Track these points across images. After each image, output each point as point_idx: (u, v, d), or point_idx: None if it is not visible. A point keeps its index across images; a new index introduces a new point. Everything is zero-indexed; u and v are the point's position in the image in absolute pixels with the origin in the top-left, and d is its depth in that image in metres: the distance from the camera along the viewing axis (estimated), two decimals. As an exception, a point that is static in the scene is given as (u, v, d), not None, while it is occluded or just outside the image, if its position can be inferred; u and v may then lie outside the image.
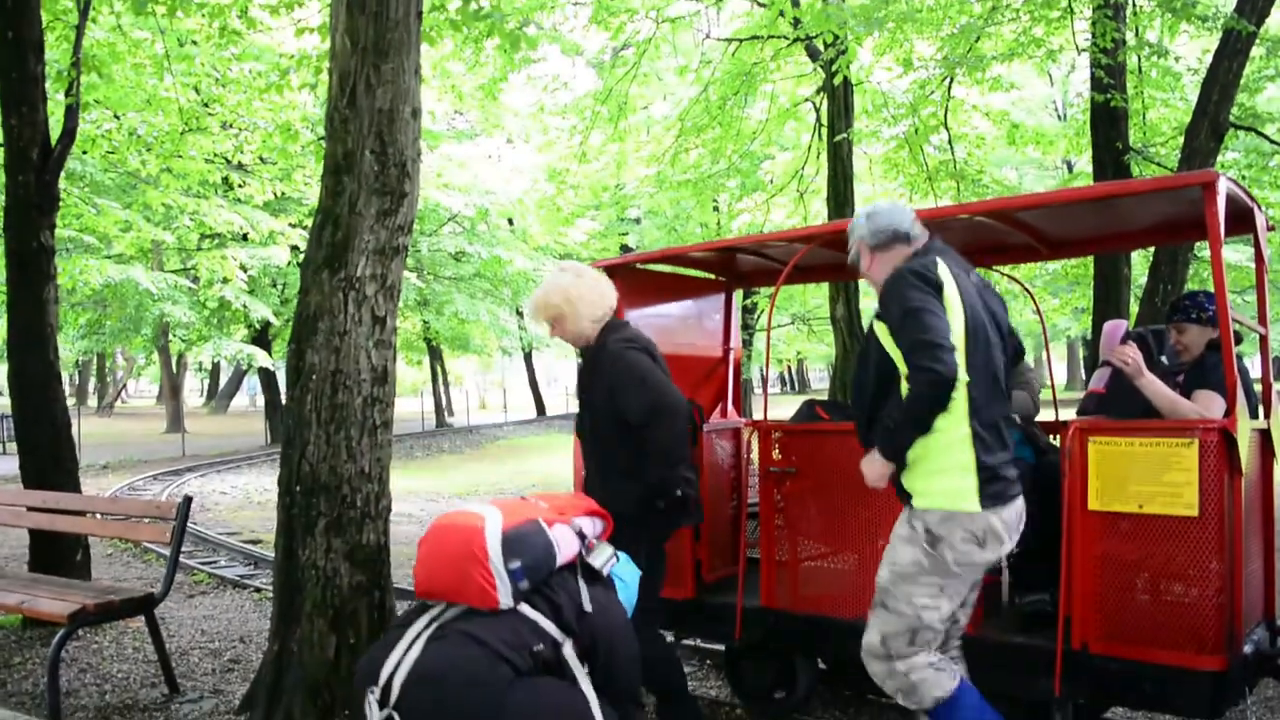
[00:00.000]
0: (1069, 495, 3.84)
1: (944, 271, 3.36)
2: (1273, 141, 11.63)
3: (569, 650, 3.25)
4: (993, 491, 3.32)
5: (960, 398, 3.28)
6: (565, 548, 3.37)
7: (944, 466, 3.35)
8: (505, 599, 3.18)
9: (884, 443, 3.46)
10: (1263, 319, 4.47)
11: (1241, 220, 4.34)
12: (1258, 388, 4.35)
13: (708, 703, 5.40)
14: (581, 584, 3.37)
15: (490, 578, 3.16)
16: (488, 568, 3.17)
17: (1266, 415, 4.32)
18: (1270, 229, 4.71)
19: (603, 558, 3.50)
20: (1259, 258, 4.47)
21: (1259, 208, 4.37)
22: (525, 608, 3.21)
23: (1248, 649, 3.93)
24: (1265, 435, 4.28)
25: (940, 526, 3.37)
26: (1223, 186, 3.80)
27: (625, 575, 3.59)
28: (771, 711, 5.07)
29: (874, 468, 3.54)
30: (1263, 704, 5.12)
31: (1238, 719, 4.83)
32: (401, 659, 3.14)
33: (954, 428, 3.31)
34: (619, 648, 3.34)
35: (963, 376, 3.26)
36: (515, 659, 3.09)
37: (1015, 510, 3.40)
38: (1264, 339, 4.49)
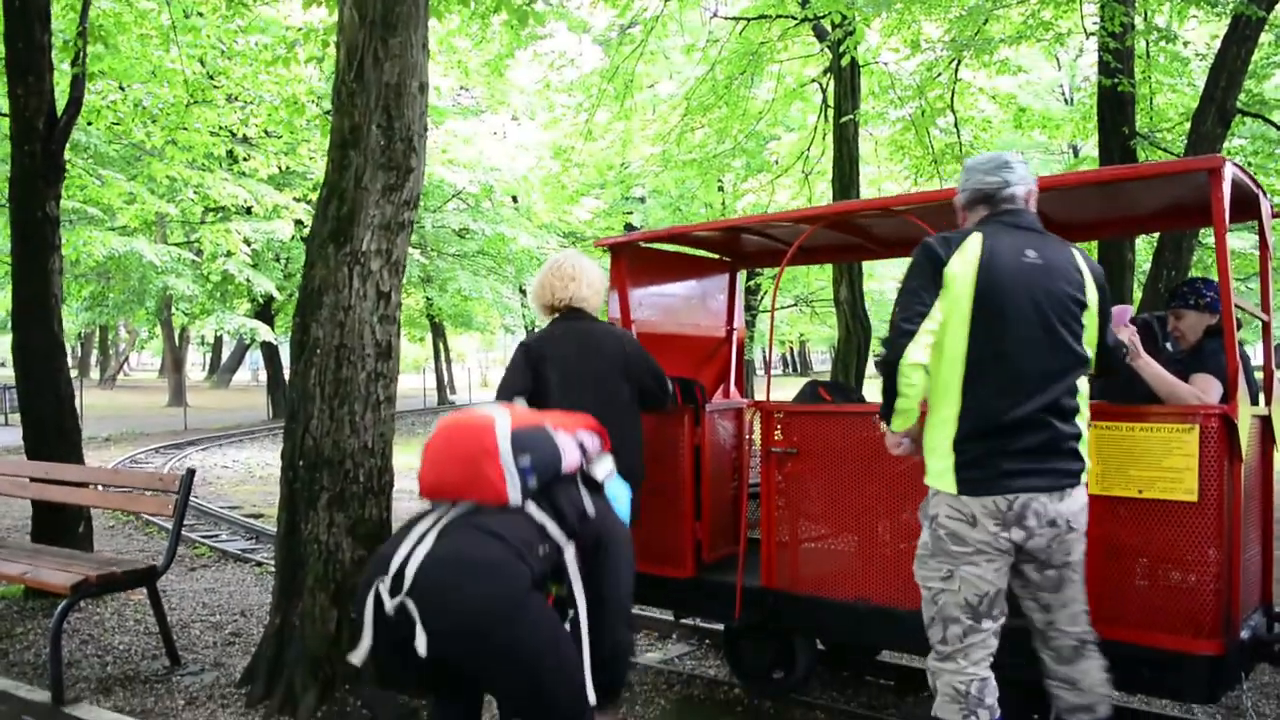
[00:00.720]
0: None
1: (969, 245, 3.20)
2: (1278, 127, 11.59)
3: (570, 555, 3.22)
4: (971, 477, 3.18)
5: (952, 377, 3.19)
6: (569, 455, 3.34)
7: (933, 444, 3.29)
8: (515, 495, 3.14)
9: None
10: (1265, 306, 4.47)
11: (1246, 206, 4.33)
12: (1259, 374, 4.35)
13: (706, 682, 5.44)
14: (584, 490, 3.37)
15: (500, 472, 3.13)
16: (498, 462, 3.13)
17: (1268, 402, 4.32)
18: (1275, 215, 4.70)
19: (604, 469, 3.49)
20: (1263, 244, 4.46)
21: (1264, 194, 4.36)
22: (532, 507, 3.18)
23: (1245, 634, 3.95)
24: (1266, 422, 4.29)
25: (932, 503, 3.31)
26: (1228, 172, 3.79)
27: (619, 494, 3.57)
28: (770, 692, 5.10)
29: (887, 437, 3.49)
30: (1258, 689, 5.15)
31: (1234, 704, 4.85)
32: (413, 549, 3.03)
33: (944, 406, 3.23)
34: (619, 554, 3.34)
35: (954, 354, 3.17)
36: (529, 559, 3.04)
37: (1012, 503, 3.15)
38: (1266, 326, 4.48)
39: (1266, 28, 9.71)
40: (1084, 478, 3.32)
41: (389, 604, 2.96)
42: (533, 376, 4.50)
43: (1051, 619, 3.39)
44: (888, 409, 3.29)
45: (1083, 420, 3.31)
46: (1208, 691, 3.72)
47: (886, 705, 5.11)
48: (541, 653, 2.96)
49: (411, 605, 2.91)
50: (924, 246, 3.26)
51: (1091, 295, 3.35)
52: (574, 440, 3.43)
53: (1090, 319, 3.35)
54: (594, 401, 4.25)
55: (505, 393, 4.43)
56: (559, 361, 4.51)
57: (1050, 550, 3.26)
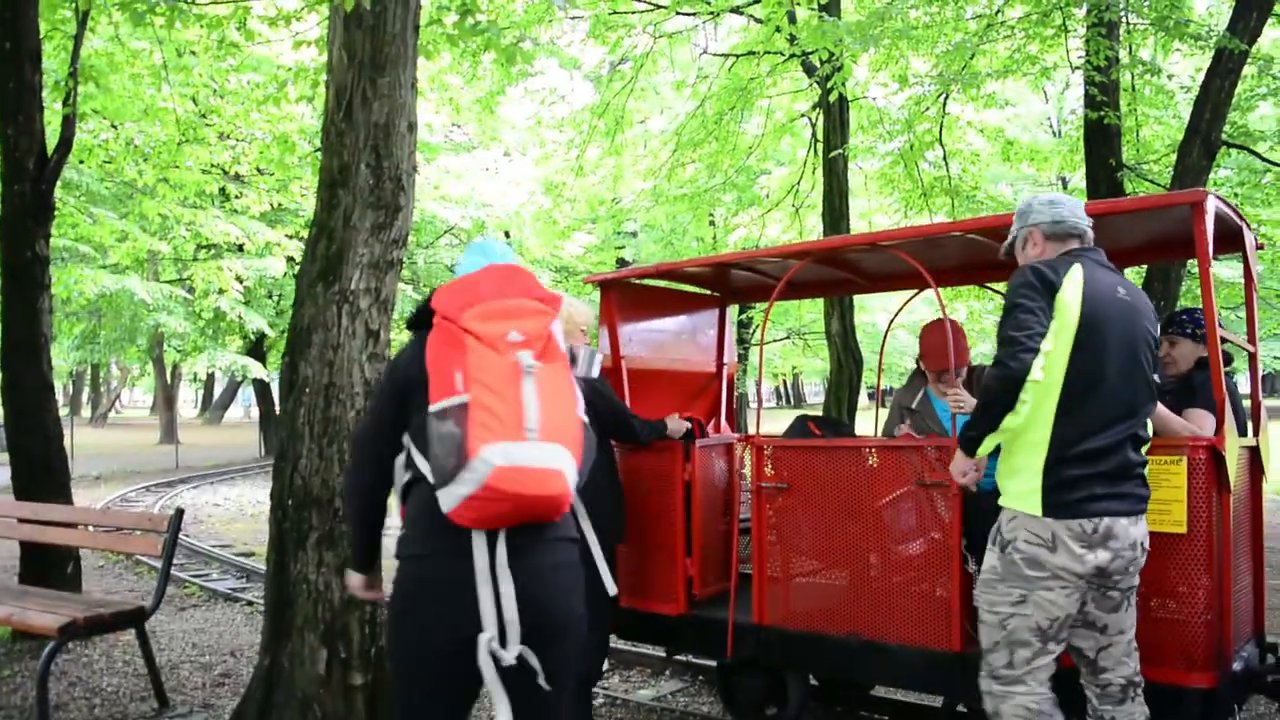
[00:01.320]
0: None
1: (1074, 274, 3.30)
2: (1265, 160, 11.68)
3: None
4: (1062, 500, 3.24)
5: (1047, 401, 3.25)
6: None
7: (1019, 467, 3.33)
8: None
9: (960, 435, 3.47)
10: (1252, 337, 4.49)
11: (1231, 239, 4.37)
12: (1247, 404, 4.37)
13: (699, 718, 5.40)
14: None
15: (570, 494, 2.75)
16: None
17: (1256, 433, 4.34)
18: (1259, 248, 4.74)
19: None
20: (1248, 276, 4.50)
21: (1248, 226, 4.40)
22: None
23: (1237, 666, 3.94)
24: (1254, 453, 4.30)
25: (1008, 527, 3.35)
26: (1211, 205, 3.83)
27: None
28: (763, 727, 5.07)
29: (955, 461, 3.53)
30: (1253, 721, 5.12)
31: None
32: (497, 593, 2.62)
33: (1035, 429, 3.28)
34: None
35: (1053, 380, 3.24)
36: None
37: (1098, 526, 3.23)
38: (1253, 357, 4.51)
39: (1249, 61, 9.80)
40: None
41: (507, 657, 2.63)
42: None
43: (1107, 644, 3.43)
44: (991, 427, 3.29)
45: (1146, 450, 3.45)
46: (1202, 724, 3.70)
47: (880, 741, 5.08)
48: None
49: (529, 652, 2.65)
50: (1036, 271, 3.33)
51: (1157, 335, 3.54)
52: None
53: (1155, 358, 3.53)
54: None
55: None
56: None
57: (1124, 573, 3.34)
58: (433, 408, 2.55)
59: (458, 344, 2.58)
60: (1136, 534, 3.32)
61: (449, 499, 2.54)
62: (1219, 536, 3.69)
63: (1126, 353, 3.33)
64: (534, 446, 2.52)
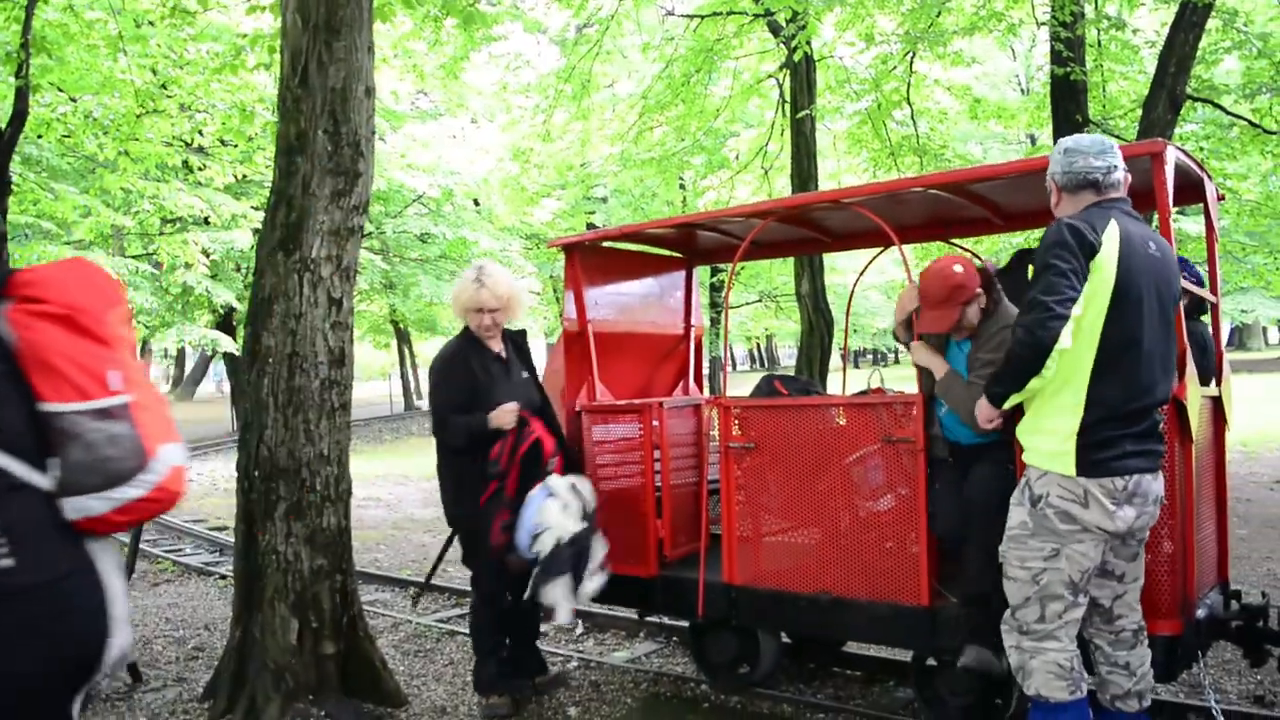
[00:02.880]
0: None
1: (1112, 232, 3.22)
2: (1229, 113, 11.73)
3: None
4: (1094, 459, 3.24)
5: (1081, 364, 3.23)
6: None
7: (1048, 428, 3.32)
8: None
9: (987, 386, 3.49)
10: (1214, 288, 4.52)
11: (1192, 190, 4.39)
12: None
13: (673, 679, 5.43)
14: None
15: None
16: None
17: (1219, 383, 4.37)
18: (1220, 199, 4.76)
19: None
20: (1209, 227, 4.52)
21: (1209, 177, 4.41)
22: None
23: (1201, 613, 3.99)
24: (1217, 403, 4.34)
25: (1039, 483, 3.36)
26: (1170, 156, 3.83)
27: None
28: (736, 686, 5.10)
29: (980, 408, 3.52)
30: (1219, 666, 5.20)
31: (1194, 681, 4.90)
32: None
33: (1067, 392, 3.27)
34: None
35: (1088, 343, 3.21)
36: None
37: (1128, 483, 3.26)
38: (1214, 307, 4.54)
39: (1213, 14, 9.81)
40: None
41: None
42: None
43: (1123, 592, 3.51)
44: (1015, 385, 3.29)
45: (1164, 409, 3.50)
46: (1166, 670, 3.76)
47: (853, 696, 5.12)
48: None
49: None
50: (1073, 230, 3.21)
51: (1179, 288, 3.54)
52: None
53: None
54: None
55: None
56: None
57: (1144, 527, 3.41)
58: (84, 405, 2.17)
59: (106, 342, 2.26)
60: (1157, 489, 3.38)
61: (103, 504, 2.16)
62: (1182, 486, 3.73)
63: (1158, 313, 3.32)
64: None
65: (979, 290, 4.14)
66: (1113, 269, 3.21)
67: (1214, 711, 4.02)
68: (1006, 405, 3.39)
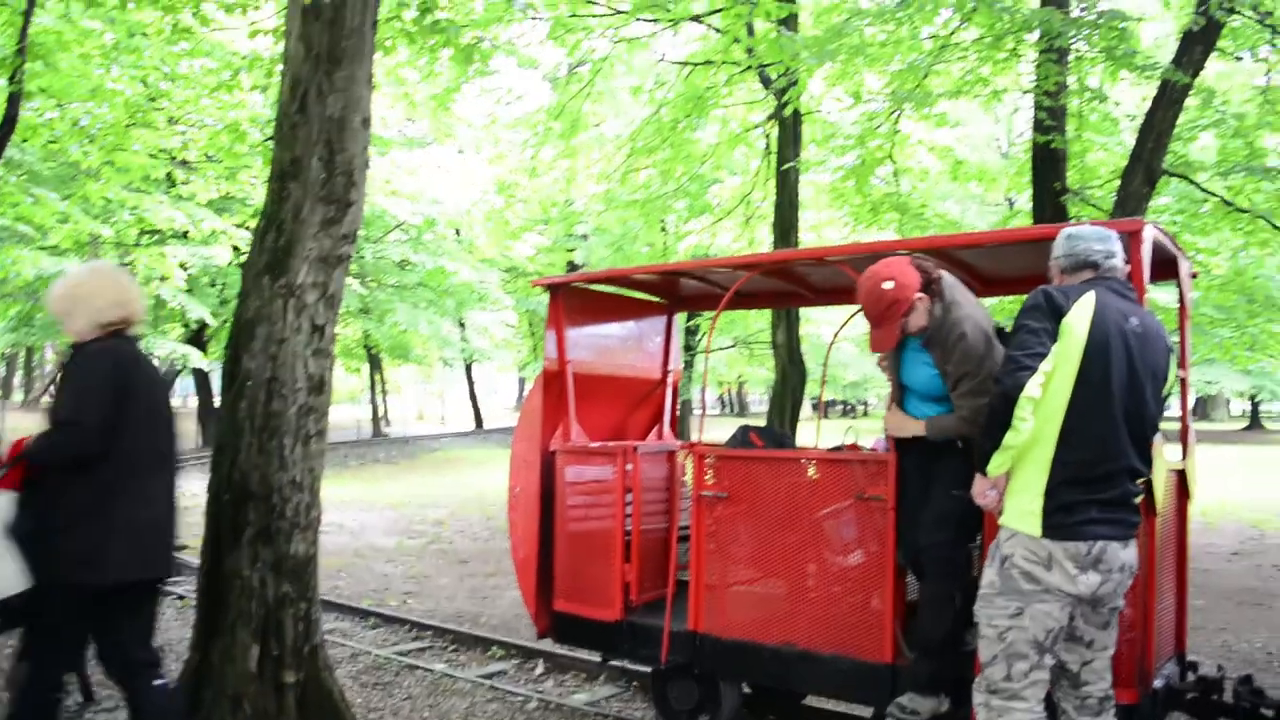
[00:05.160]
0: (989, 531, 3.91)
1: (1086, 300, 3.36)
2: (1204, 190, 11.97)
3: None
4: (1059, 523, 3.32)
5: (1050, 423, 3.32)
6: None
7: (1021, 486, 3.41)
8: None
9: (975, 452, 3.55)
10: (1183, 362, 4.61)
11: (1167, 266, 4.49)
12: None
13: (632, 723, 5.42)
14: None
15: None
16: None
17: (1183, 456, 4.45)
18: (1194, 275, 4.87)
19: None
20: (1181, 303, 4.62)
21: (1183, 255, 4.52)
22: None
23: (1159, 683, 4.05)
24: (1181, 476, 4.41)
25: (1006, 544, 3.43)
26: (1149, 234, 3.93)
27: None
28: (695, 734, 5.10)
29: (975, 483, 3.57)
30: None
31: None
32: None
33: (1039, 448, 3.36)
34: None
35: (1057, 403, 3.30)
36: None
37: (1092, 549, 3.33)
38: (1183, 381, 4.63)
39: (1192, 93, 10.03)
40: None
41: None
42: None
43: (1091, 659, 3.55)
44: (993, 444, 3.36)
45: (1141, 482, 3.54)
46: (1122, 740, 3.79)
47: (811, 750, 5.13)
48: None
49: None
50: (1045, 294, 3.41)
51: (1170, 368, 3.61)
52: None
53: (1162, 389, 3.61)
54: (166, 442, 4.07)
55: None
56: (145, 392, 3.93)
57: (1113, 594, 3.46)
58: None
59: None
60: (1126, 557, 3.43)
61: None
62: (1145, 558, 3.78)
63: (1132, 383, 3.40)
64: None
65: (918, 296, 4.07)
66: (1083, 333, 3.32)
67: (1167, 784, 4.05)
68: (993, 469, 3.43)
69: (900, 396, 4.41)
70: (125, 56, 10.56)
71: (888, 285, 4.07)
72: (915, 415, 4.31)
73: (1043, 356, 3.30)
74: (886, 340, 4.16)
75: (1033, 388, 3.26)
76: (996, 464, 3.41)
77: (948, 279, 4.18)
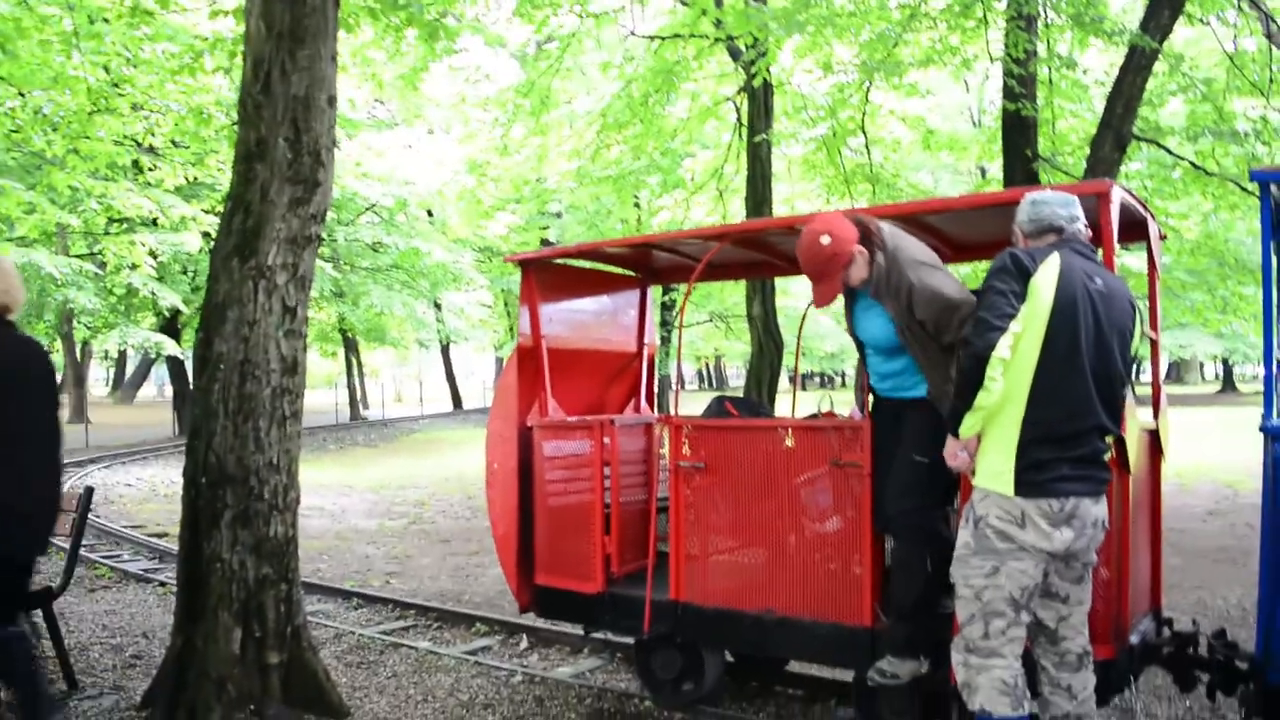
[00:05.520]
0: (964, 493, 3.95)
1: (1052, 261, 3.41)
2: (1173, 154, 12.05)
3: None
4: (1031, 480, 3.37)
5: (1020, 382, 3.36)
6: None
7: (992, 446, 3.45)
8: None
9: (946, 415, 3.58)
10: (1154, 324, 4.65)
11: (1136, 229, 4.52)
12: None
13: (617, 695, 5.45)
14: None
15: None
16: None
17: (1155, 416, 4.50)
18: (1163, 238, 4.91)
19: None
20: (1151, 264, 4.66)
21: (1152, 217, 4.55)
22: None
23: (1135, 639, 4.10)
24: (1154, 436, 4.46)
25: (980, 504, 3.48)
26: (1116, 195, 3.95)
27: None
28: (680, 703, 5.13)
29: (947, 446, 3.60)
30: (1150, 691, 5.32)
31: (1125, 706, 5.02)
32: None
33: (1009, 408, 3.39)
34: None
35: (1026, 361, 3.34)
36: None
37: (1065, 505, 3.38)
38: (1154, 344, 4.67)
39: (1161, 58, 10.08)
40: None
41: None
42: None
43: (1067, 614, 3.61)
44: (965, 404, 3.40)
45: (1111, 436, 3.61)
46: (1099, 694, 3.84)
47: (794, 715, 5.18)
48: None
49: None
50: (1011, 256, 3.47)
51: (1135, 327, 3.65)
52: None
53: (1129, 348, 3.66)
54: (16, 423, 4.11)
55: None
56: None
57: (1086, 549, 3.52)
58: None
59: None
60: (1097, 513, 3.49)
61: None
62: (1119, 516, 3.83)
63: (1099, 341, 3.45)
64: None
65: (856, 249, 4.06)
66: (1050, 294, 3.37)
67: (1144, 736, 4.12)
68: (965, 430, 3.46)
69: (863, 355, 4.41)
70: (86, 42, 10.38)
71: (825, 240, 4.06)
72: (877, 371, 4.33)
73: (1011, 317, 3.34)
74: (828, 295, 4.16)
75: (1003, 348, 3.30)
76: (968, 425, 3.44)
77: (888, 229, 4.14)
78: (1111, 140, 9.44)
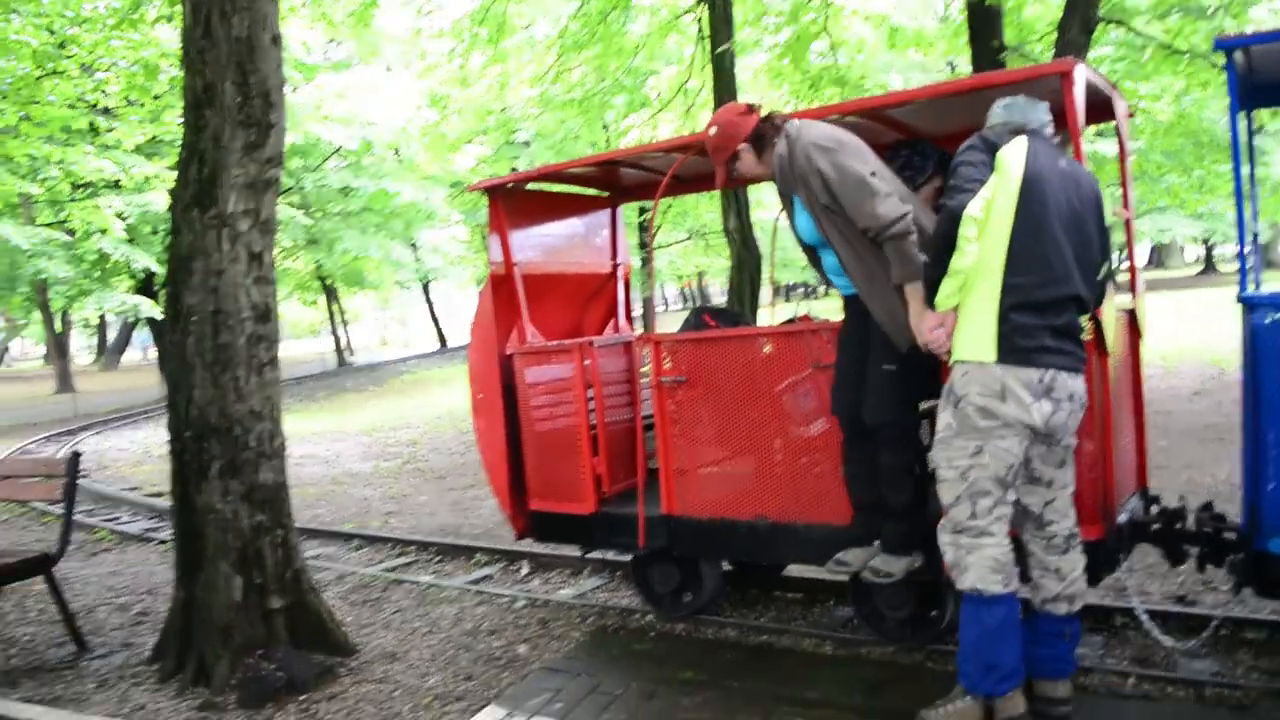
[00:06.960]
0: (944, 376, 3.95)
1: (1016, 145, 3.49)
2: (1141, 34, 11.91)
3: None
4: (1013, 347, 3.39)
5: (996, 252, 3.40)
6: None
7: (971, 316, 3.48)
8: None
9: (924, 279, 3.63)
10: (1126, 202, 4.63)
11: (1103, 108, 4.48)
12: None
13: (619, 612, 5.52)
14: None
15: None
16: None
17: (1133, 295, 4.51)
18: (1131, 115, 4.86)
19: None
20: (1120, 142, 4.63)
21: (1118, 94, 4.50)
22: None
23: (1123, 518, 4.16)
24: (1131, 316, 4.47)
25: (960, 383, 3.49)
26: (1080, 74, 3.91)
27: None
28: (681, 615, 5.21)
29: (922, 319, 3.63)
30: (1144, 570, 5.42)
31: (1118, 585, 5.10)
32: None
33: (986, 281, 3.43)
34: None
35: (999, 230, 3.39)
36: None
37: (1044, 376, 3.40)
38: (1128, 223, 4.66)
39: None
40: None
41: None
42: None
43: (1052, 498, 3.65)
44: (940, 269, 3.45)
45: (1087, 316, 3.70)
46: (1090, 574, 3.89)
47: (794, 618, 5.26)
48: None
49: None
50: (979, 136, 3.60)
51: (1102, 210, 3.70)
52: None
53: (1104, 224, 3.72)
54: None
55: None
56: None
57: (1065, 425, 3.54)
58: None
59: None
60: (1075, 387, 3.52)
61: None
62: (1100, 396, 3.86)
63: (1070, 216, 3.50)
64: None
65: (741, 147, 4.14)
66: (1019, 166, 3.43)
67: (1138, 612, 4.18)
68: (941, 300, 3.48)
69: (810, 257, 4.34)
70: (25, 6, 10.15)
71: (711, 131, 4.22)
72: (828, 270, 4.23)
73: (981, 183, 3.42)
74: (719, 180, 4.38)
75: (974, 208, 3.37)
76: (945, 293, 3.47)
77: (799, 122, 4.07)
78: (1078, 23, 9.32)
